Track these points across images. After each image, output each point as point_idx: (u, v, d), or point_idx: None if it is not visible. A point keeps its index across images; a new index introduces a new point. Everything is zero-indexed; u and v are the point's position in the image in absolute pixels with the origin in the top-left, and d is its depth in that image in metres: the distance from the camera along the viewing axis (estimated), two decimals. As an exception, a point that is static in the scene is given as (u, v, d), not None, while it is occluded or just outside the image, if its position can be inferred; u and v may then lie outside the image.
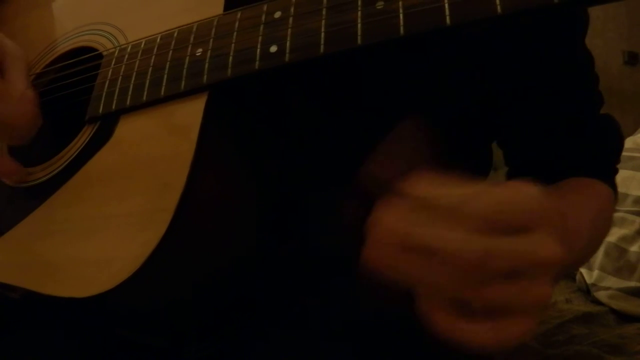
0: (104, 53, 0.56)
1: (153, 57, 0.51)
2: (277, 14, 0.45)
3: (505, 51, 0.58)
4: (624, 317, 1.00)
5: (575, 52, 0.60)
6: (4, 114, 0.54)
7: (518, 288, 0.35)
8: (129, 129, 0.51)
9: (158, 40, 0.51)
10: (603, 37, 2.92)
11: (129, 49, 0.53)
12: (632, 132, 1.37)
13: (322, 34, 0.42)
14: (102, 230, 0.48)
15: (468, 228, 0.34)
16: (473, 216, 0.35)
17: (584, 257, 0.59)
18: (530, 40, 0.58)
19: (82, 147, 0.54)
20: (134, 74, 0.51)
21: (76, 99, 0.58)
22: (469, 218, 0.35)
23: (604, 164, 0.59)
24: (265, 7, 0.46)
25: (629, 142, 1.26)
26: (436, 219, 0.35)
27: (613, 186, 0.60)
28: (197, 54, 0.48)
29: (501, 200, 0.35)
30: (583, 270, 1.13)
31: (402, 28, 0.39)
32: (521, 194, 0.36)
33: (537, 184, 0.36)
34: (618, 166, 0.62)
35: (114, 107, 0.52)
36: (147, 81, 0.50)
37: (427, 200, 0.36)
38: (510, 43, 0.57)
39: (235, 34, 0.46)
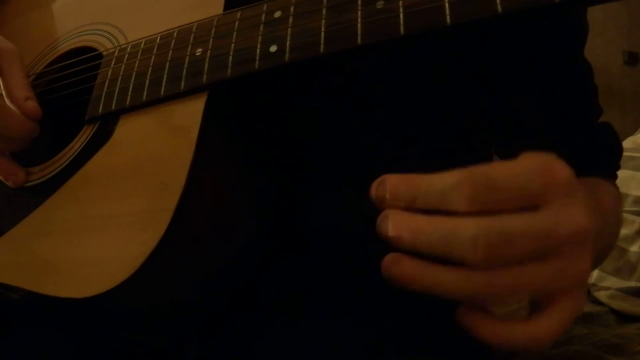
0: (104, 53, 0.56)
1: (153, 57, 0.51)
2: (277, 14, 0.45)
3: (504, 61, 0.58)
4: (624, 317, 1.00)
5: (574, 63, 0.60)
6: (2, 126, 0.54)
7: (552, 269, 0.32)
8: (128, 129, 0.51)
9: (158, 40, 0.51)
10: (603, 37, 2.92)
11: (128, 49, 0.53)
12: (632, 132, 1.37)
13: (322, 34, 0.42)
14: (101, 230, 0.48)
15: (467, 212, 0.31)
16: (463, 199, 0.31)
17: (612, 238, 0.52)
18: (529, 52, 0.57)
19: (81, 147, 0.54)
20: (134, 73, 0.51)
21: (76, 99, 0.58)
22: (460, 202, 0.31)
23: (602, 173, 0.59)
24: (265, 7, 0.46)
25: (629, 142, 1.26)
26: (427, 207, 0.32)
27: None
28: (197, 54, 0.48)
29: (494, 177, 0.32)
30: (583, 270, 1.12)
31: (402, 27, 0.39)
32: (516, 168, 0.32)
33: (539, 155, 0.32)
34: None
35: (113, 107, 0.52)
36: (147, 81, 0.50)
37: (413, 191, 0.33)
38: (509, 54, 0.57)
39: (235, 33, 0.46)
